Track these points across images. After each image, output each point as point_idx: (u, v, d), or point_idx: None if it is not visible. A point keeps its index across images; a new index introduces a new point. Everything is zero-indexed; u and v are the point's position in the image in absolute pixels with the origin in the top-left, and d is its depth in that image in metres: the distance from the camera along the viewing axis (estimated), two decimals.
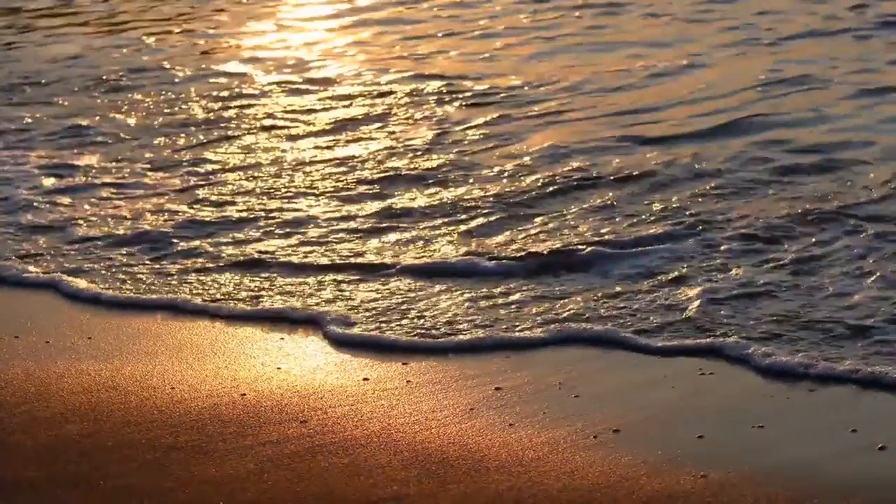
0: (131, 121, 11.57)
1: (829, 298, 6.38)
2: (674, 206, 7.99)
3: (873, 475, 4.86)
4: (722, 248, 7.18)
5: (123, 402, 5.83)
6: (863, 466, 4.93)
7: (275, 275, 7.42)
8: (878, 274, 6.62)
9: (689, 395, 5.62)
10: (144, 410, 5.74)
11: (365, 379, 6.01)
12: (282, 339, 6.57)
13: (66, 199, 9.25)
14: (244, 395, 5.87)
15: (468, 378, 5.93)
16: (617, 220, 7.85)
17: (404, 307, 6.79)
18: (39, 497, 5.00)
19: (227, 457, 5.24)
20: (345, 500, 4.85)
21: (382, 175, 9.26)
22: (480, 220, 8.05)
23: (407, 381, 5.94)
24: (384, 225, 8.16)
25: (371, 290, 7.07)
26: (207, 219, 8.57)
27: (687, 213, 7.82)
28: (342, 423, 5.51)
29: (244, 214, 8.62)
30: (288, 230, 8.20)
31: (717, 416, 5.42)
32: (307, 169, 9.60)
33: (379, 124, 10.79)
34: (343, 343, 6.42)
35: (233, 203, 8.89)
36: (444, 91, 11.67)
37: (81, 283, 7.49)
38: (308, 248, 7.81)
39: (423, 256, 7.49)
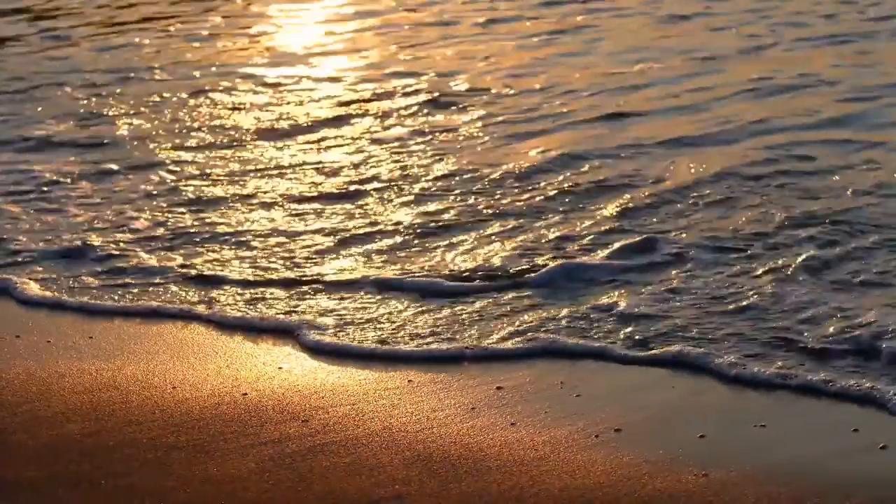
0: (108, 125, 11.47)
1: (792, 310, 6.32)
2: (649, 215, 7.91)
3: (875, 474, 4.86)
4: (695, 258, 7.10)
5: (125, 402, 5.84)
6: (864, 465, 4.93)
7: (259, 287, 7.30)
8: (852, 283, 6.60)
9: (689, 396, 5.63)
10: (146, 410, 5.74)
11: (365, 378, 6.01)
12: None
13: (16, 208, 9.10)
14: (245, 394, 5.87)
15: (469, 377, 5.93)
16: (591, 229, 7.72)
17: (379, 319, 6.69)
18: (40, 497, 5.00)
19: (229, 456, 5.24)
20: (346, 500, 4.85)
21: (357, 183, 9.12)
22: (452, 233, 7.90)
23: (408, 381, 5.95)
24: (354, 235, 8.01)
25: (341, 302, 6.97)
26: (171, 230, 8.39)
27: (663, 222, 7.75)
28: (343, 423, 5.51)
29: (211, 224, 8.45)
30: (258, 240, 8.06)
31: (718, 416, 5.42)
32: (283, 176, 9.45)
33: (363, 130, 10.65)
34: (321, 352, 6.35)
35: (198, 212, 8.74)
36: (433, 96, 11.54)
37: (35, 289, 7.44)
38: (277, 260, 7.67)
39: (390, 270, 7.34)
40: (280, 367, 6.19)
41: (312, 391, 5.89)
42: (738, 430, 5.26)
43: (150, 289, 7.37)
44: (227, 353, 6.44)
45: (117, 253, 7.96)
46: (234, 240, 8.10)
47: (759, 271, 6.86)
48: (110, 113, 11.90)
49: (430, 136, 10.30)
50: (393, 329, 6.54)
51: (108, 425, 5.59)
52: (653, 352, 6.00)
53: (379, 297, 7.00)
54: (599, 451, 5.12)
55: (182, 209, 8.83)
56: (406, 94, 11.73)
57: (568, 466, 5.01)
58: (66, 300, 7.28)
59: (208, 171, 9.76)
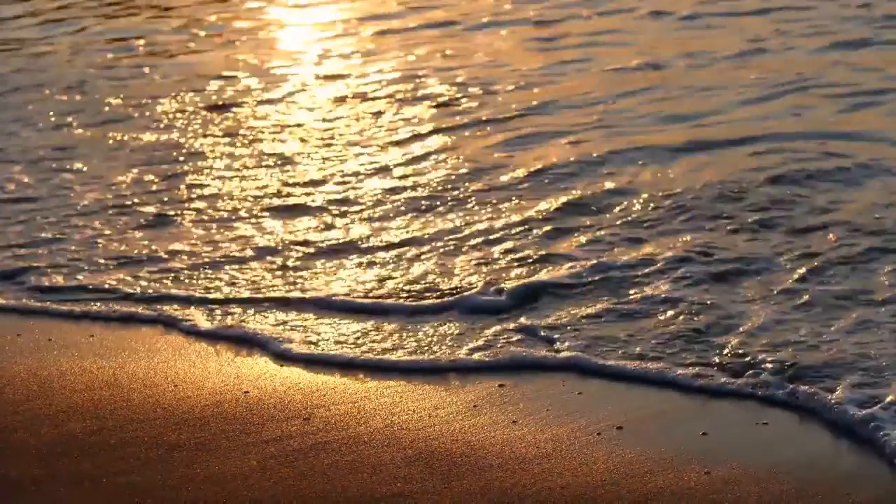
0: (77, 130, 11.41)
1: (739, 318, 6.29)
2: (619, 228, 7.76)
3: (876, 472, 4.86)
4: (653, 274, 6.96)
5: (126, 400, 5.84)
6: (865, 463, 4.93)
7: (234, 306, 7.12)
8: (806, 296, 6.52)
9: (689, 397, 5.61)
10: (147, 408, 5.74)
11: (364, 377, 6.01)
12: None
13: None
14: (247, 392, 5.88)
15: (471, 375, 5.93)
16: (556, 243, 7.60)
17: (347, 334, 6.58)
18: (42, 495, 5.00)
19: (230, 454, 5.24)
20: (348, 497, 4.85)
21: (316, 198, 8.92)
22: (416, 248, 7.72)
23: (409, 379, 5.94)
24: (312, 252, 7.83)
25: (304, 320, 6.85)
26: (121, 247, 8.22)
27: (634, 235, 7.62)
28: (345, 421, 5.51)
29: (163, 242, 8.24)
30: (219, 255, 7.90)
31: (720, 414, 5.42)
32: (247, 187, 9.28)
33: (340, 135, 10.50)
34: (298, 360, 6.27)
35: (150, 228, 8.57)
36: (417, 98, 11.43)
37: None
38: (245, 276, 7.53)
39: (331, 287, 7.18)
40: (281, 366, 6.20)
41: (314, 389, 5.89)
42: (740, 427, 5.26)
43: (93, 305, 7.25)
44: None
45: (62, 271, 7.81)
46: (196, 257, 7.89)
47: (717, 285, 6.73)
48: (85, 120, 11.80)
49: (412, 143, 10.14)
50: (354, 343, 6.42)
51: (109, 423, 5.60)
52: (615, 363, 5.91)
53: (338, 316, 6.82)
54: (601, 449, 5.12)
55: (133, 225, 8.64)
56: (393, 100, 11.60)
57: (570, 464, 5.01)
58: (33, 305, 7.26)
59: (167, 183, 9.56)
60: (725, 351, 5.93)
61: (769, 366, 5.71)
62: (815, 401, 5.36)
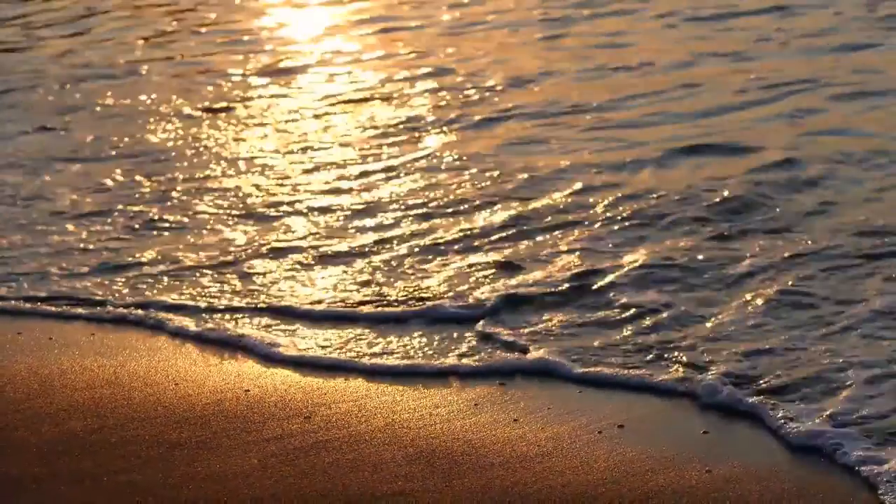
0: (64, 132, 11.39)
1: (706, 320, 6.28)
2: (603, 236, 7.69)
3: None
4: (628, 282, 6.90)
5: (127, 399, 5.84)
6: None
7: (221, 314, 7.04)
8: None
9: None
10: (148, 406, 5.74)
11: (364, 377, 6.01)
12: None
13: None
14: (248, 391, 5.88)
15: (472, 374, 5.93)
16: (539, 251, 7.53)
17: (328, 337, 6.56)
18: (43, 493, 5.01)
19: (232, 452, 5.24)
20: (349, 496, 4.85)
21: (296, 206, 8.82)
22: (398, 256, 7.63)
23: (403, 383, 5.94)
24: (292, 259, 7.75)
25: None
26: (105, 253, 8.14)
27: (616, 244, 7.55)
28: (346, 419, 5.51)
29: (144, 248, 8.17)
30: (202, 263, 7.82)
31: (721, 413, 5.41)
32: (228, 193, 9.20)
33: (331, 141, 10.39)
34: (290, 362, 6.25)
35: (133, 232, 8.52)
36: (418, 103, 11.35)
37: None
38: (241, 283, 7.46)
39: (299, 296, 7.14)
40: (281, 366, 6.20)
41: (314, 388, 5.89)
42: (740, 426, 5.26)
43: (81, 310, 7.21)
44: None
45: (42, 276, 7.76)
46: (177, 263, 7.82)
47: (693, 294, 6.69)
48: (79, 120, 11.78)
49: (409, 144, 10.06)
50: (340, 348, 6.39)
51: (110, 422, 5.60)
52: (595, 369, 5.88)
53: (316, 323, 6.77)
54: (602, 447, 5.11)
55: (118, 232, 8.56)
56: (392, 100, 11.54)
57: (571, 462, 5.01)
58: (26, 307, 7.25)
59: (151, 187, 9.51)
60: (699, 359, 5.86)
61: (745, 376, 5.64)
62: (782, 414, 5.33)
